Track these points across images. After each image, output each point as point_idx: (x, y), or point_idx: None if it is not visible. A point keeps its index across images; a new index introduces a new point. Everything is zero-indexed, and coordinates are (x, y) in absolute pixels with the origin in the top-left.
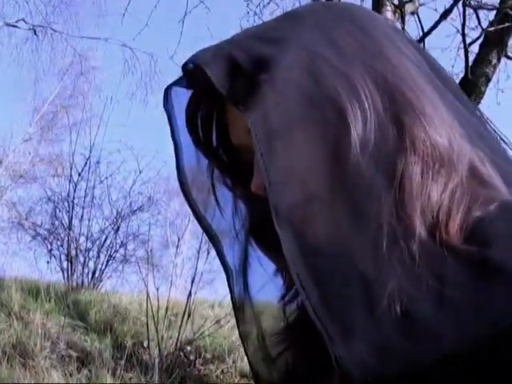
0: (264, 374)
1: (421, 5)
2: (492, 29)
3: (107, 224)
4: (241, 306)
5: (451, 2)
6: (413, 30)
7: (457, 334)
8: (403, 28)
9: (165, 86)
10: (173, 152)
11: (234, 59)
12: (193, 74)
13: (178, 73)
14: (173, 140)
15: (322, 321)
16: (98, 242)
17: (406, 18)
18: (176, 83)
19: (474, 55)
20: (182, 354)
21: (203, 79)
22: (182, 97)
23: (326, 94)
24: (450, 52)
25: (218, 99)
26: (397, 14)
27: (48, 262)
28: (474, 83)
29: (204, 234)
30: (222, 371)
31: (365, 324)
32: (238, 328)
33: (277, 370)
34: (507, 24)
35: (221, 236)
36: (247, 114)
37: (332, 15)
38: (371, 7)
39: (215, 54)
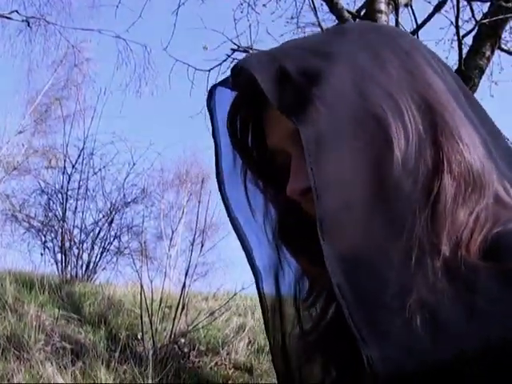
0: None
1: None
2: (486, 21)
3: (101, 216)
4: (272, 308)
5: None
6: (406, 22)
7: (477, 338)
8: (397, 20)
9: (210, 86)
10: (213, 153)
11: (283, 67)
12: (239, 76)
13: (171, 64)
14: (214, 139)
15: (358, 327)
16: (91, 234)
17: (400, 10)
18: (221, 84)
19: (468, 47)
20: (176, 346)
21: (248, 83)
22: (223, 98)
23: (373, 113)
24: (443, 44)
25: (258, 102)
26: (391, 7)
27: (42, 254)
28: (467, 75)
29: (235, 235)
30: (216, 363)
31: (394, 329)
32: (267, 330)
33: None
34: (501, 16)
35: (251, 238)
36: (301, 129)
37: (379, 36)
38: None
39: (265, 61)
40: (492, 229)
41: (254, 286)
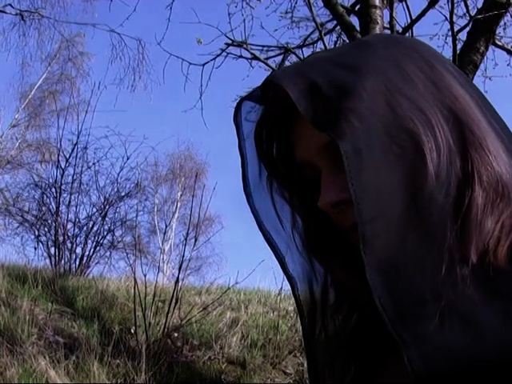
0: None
1: None
2: (480, 16)
3: (95, 210)
4: (308, 314)
5: None
6: (401, 17)
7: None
8: (391, 15)
9: (237, 100)
10: (239, 164)
11: (313, 81)
12: (268, 89)
13: (165, 58)
14: (240, 152)
15: (398, 333)
16: (85, 228)
17: (395, 5)
18: (248, 97)
19: (462, 43)
20: (169, 340)
21: (277, 96)
22: (249, 111)
23: (405, 127)
24: (438, 40)
25: (287, 115)
26: (385, 2)
27: (35, 248)
28: (461, 71)
29: (268, 247)
30: (209, 358)
31: (430, 333)
32: (304, 334)
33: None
34: (495, 12)
35: (282, 247)
36: (340, 143)
37: (403, 49)
38: None
39: (294, 74)
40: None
41: (290, 291)
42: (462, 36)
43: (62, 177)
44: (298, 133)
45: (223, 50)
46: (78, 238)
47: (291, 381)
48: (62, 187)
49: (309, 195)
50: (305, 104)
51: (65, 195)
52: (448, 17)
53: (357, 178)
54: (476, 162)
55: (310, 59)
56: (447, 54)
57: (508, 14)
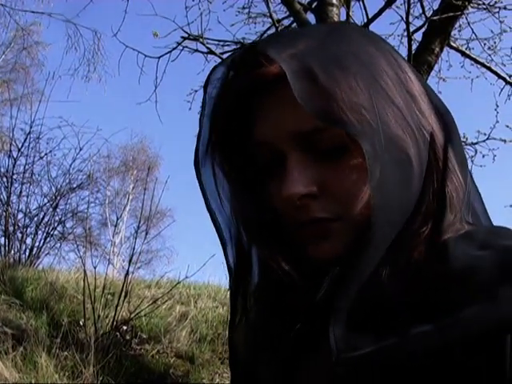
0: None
1: None
2: (436, 18)
3: (46, 201)
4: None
5: None
6: (358, 16)
7: (436, 337)
8: (348, 13)
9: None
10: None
11: (309, 67)
12: (252, 59)
13: (121, 50)
14: (199, 121)
15: (335, 333)
16: (36, 219)
17: (351, 3)
18: (223, 63)
19: (418, 43)
20: (118, 333)
21: (255, 66)
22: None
23: (395, 134)
24: (393, 39)
25: (258, 88)
26: (342, 0)
27: None
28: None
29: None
30: (158, 351)
31: (359, 326)
32: (229, 329)
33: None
34: (451, 13)
35: (225, 231)
36: (362, 142)
37: (374, 46)
38: None
39: (288, 54)
40: (436, 237)
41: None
42: (418, 36)
43: (13, 166)
44: (268, 110)
45: (179, 44)
46: (29, 229)
47: None
48: (14, 177)
49: (251, 177)
50: (299, 88)
51: (16, 185)
52: (404, 17)
53: (375, 182)
54: (446, 178)
55: (297, 40)
56: (402, 53)
57: (463, 16)
